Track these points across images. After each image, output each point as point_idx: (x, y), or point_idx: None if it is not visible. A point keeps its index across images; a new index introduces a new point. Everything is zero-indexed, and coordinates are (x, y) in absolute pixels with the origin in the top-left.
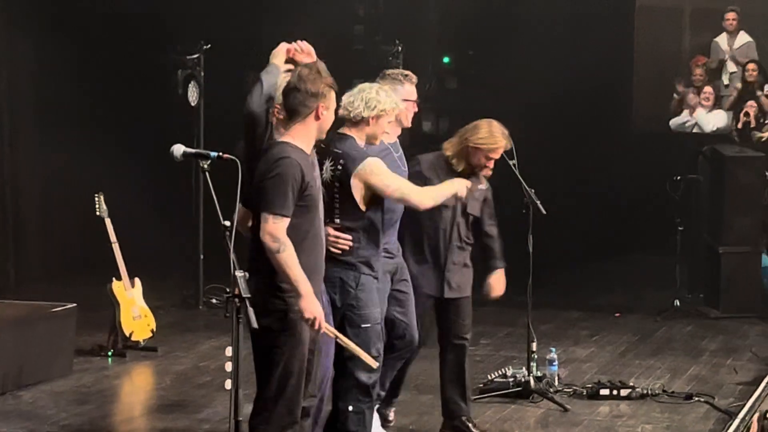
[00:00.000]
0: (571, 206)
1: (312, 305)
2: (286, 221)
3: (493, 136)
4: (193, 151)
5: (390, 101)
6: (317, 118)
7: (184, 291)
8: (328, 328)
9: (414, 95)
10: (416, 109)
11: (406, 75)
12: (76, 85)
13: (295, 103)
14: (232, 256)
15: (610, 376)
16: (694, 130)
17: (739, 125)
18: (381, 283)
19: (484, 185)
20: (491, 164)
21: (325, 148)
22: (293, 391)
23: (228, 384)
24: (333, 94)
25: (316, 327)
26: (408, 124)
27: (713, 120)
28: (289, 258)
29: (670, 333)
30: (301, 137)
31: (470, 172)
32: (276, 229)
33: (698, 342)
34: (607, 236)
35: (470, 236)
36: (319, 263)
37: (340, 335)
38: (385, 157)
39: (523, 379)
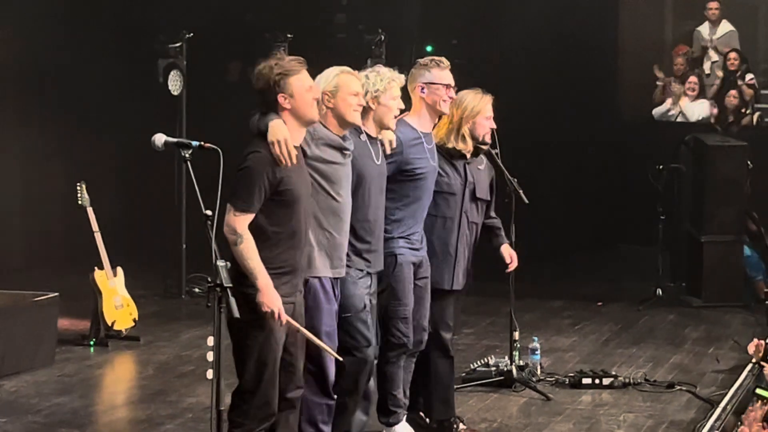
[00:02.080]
0: (554, 195)
1: (270, 298)
2: (249, 216)
3: (477, 97)
4: (174, 140)
5: (382, 79)
6: (283, 108)
7: (167, 280)
8: (291, 321)
9: (445, 79)
10: (452, 95)
11: (434, 60)
12: (57, 74)
13: (263, 102)
14: (214, 245)
15: (593, 365)
16: (679, 119)
17: (729, 116)
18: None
19: (482, 165)
20: (492, 121)
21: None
22: (268, 383)
23: (210, 374)
24: (294, 78)
25: (276, 319)
26: (444, 109)
27: (698, 110)
28: (246, 250)
29: (653, 322)
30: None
31: (475, 148)
32: (235, 221)
33: (680, 331)
34: (589, 225)
35: (479, 223)
36: (300, 260)
37: (304, 330)
38: (413, 146)
39: (505, 369)
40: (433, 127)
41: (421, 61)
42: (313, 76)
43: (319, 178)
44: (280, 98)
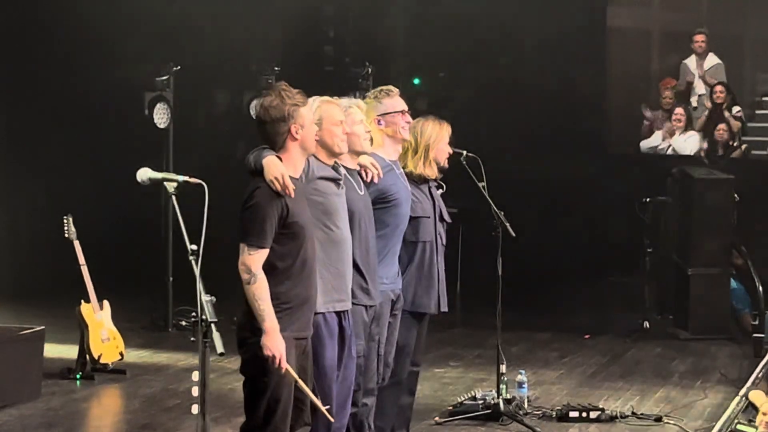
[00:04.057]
0: (541, 228)
1: (274, 343)
2: (264, 252)
3: (437, 125)
4: (159, 176)
5: (341, 110)
6: (294, 139)
7: (153, 313)
8: (290, 370)
9: (398, 106)
10: (408, 119)
11: (383, 90)
12: (44, 107)
13: (269, 135)
14: (199, 281)
15: (580, 398)
16: (669, 152)
17: (717, 149)
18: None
19: (438, 189)
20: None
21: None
22: (279, 420)
23: (195, 408)
24: (304, 109)
25: (276, 365)
26: (404, 135)
27: (689, 144)
28: (258, 290)
29: (640, 355)
30: (287, 163)
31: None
32: (250, 260)
33: (667, 364)
34: (576, 257)
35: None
36: (312, 294)
37: (300, 381)
38: (388, 173)
39: (492, 402)
40: (398, 156)
41: (370, 94)
42: None
43: (317, 211)
44: (293, 129)
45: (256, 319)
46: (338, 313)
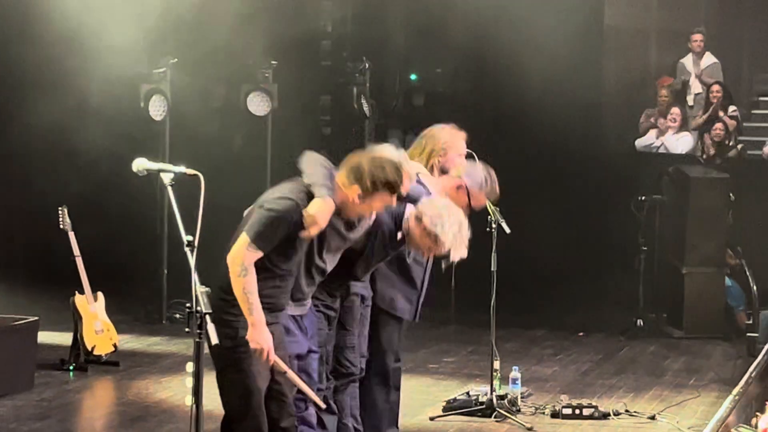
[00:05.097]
0: (535, 225)
1: (262, 335)
2: (259, 254)
3: (454, 132)
4: (155, 166)
5: None
6: (352, 201)
7: (147, 305)
8: (278, 361)
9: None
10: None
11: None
12: (38, 96)
13: (350, 180)
14: (194, 272)
15: (573, 395)
16: (661, 150)
17: (707, 148)
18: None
19: None
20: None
21: None
22: (257, 409)
23: (189, 400)
24: (380, 194)
25: (264, 357)
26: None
27: (681, 144)
28: (248, 284)
29: (633, 353)
30: (337, 197)
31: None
32: (246, 255)
33: (661, 362)
34: (570, 255)
35: None
36: (287, 301)
37: (290, 371)
38: None
39: (486, 398)
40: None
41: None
42: (300, 99)
43: (316, 239)
44: (356, 191)
45: (222, 309)
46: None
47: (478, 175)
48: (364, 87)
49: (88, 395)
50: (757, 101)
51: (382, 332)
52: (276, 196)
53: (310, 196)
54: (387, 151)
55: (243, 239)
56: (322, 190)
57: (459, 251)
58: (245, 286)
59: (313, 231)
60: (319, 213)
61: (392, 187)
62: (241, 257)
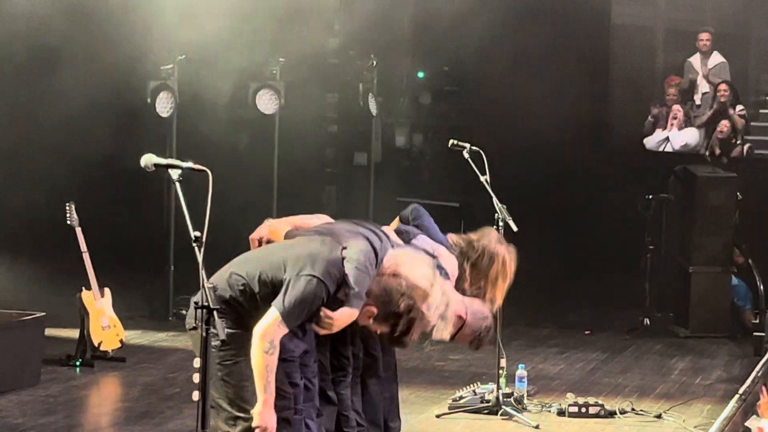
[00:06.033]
0: (542, 223)
1: (269, 415)
2: (286, 331)
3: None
4: (164, 161)
5: None
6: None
7: (154, 302)
8: None
9: None
10: None
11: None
12: (45, 94)
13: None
14: (201, 268)
15: (579, 393)
16: (666, 149)
17: (713, 145)
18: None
19: None
20: None
21: None
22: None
23: (196, 395)
24: (399, 320)
25: None
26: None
27: (684, 137)
28: (273, 363)
29: (640, 351)
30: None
31: None
32: (276, 332)
33: (667, 361)
34: (577, 254)
35: None
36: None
37: None
38: None
39: (492, 396)
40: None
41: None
42: (303, 100)
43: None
44: (371, 307)
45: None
46: None
47: (480, 325)
48: (371, 85)
49: (94, 391)
50: (764, 101)
51: None
52: (309, 272)
53: (340, 272)
54: (420, 271)
55: (275, 316)
56: (355, 302)
57: (442, 333)
58: (269, 364)
59: (324, 332)
60: (339, 321)
61: (399, 317)
62: (272, 334)
